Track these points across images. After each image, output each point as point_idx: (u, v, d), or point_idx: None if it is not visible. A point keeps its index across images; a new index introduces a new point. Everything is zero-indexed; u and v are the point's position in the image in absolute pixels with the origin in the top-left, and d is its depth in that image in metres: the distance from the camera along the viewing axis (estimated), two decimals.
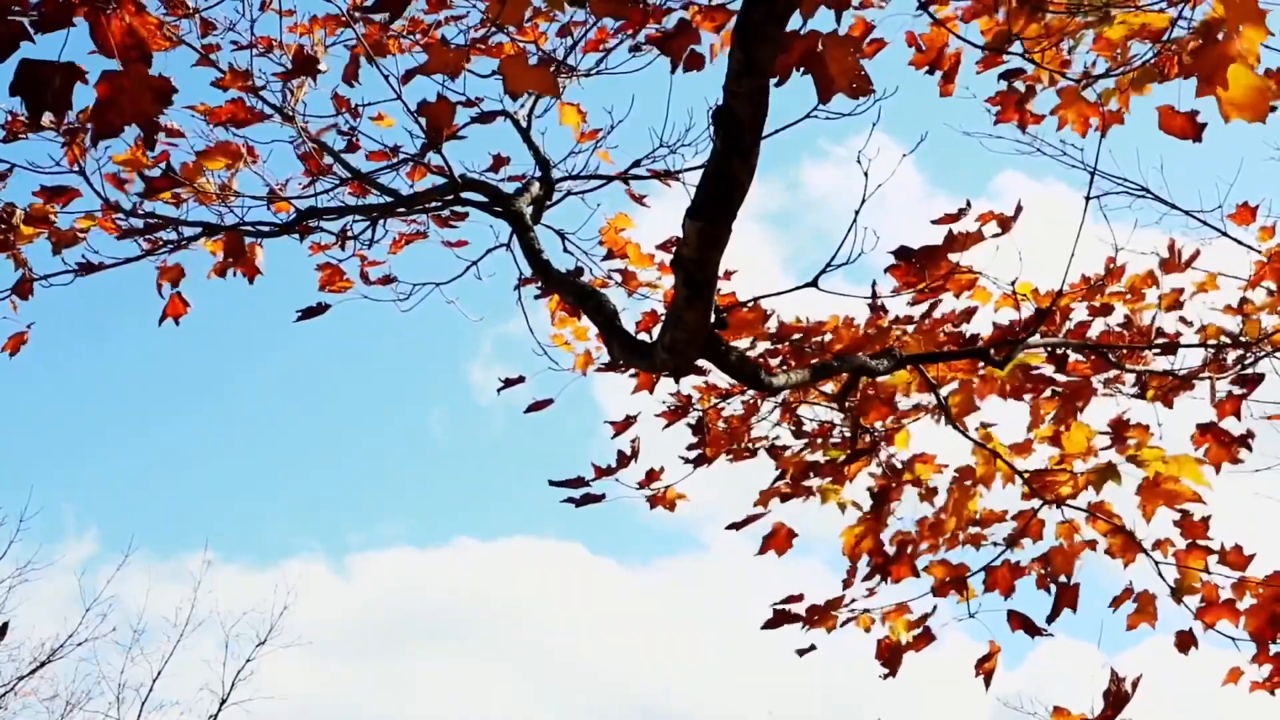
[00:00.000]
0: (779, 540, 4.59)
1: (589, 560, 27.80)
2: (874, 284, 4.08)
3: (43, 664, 14.90)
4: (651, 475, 4.68)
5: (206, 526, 29.82)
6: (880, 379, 4.21)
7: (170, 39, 3.98)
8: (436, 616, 26.05)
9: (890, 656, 4.18)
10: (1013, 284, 4.03)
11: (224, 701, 15.68)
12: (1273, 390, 4.59)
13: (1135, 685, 3.80)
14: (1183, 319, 4.78)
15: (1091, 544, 4.25)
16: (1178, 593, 4.11)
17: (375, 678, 22.68)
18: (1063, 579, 4.21)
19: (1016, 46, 3.66)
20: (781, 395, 4.72)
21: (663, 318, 4.81)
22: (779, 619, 4.24)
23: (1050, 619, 4.17)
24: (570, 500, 4.57)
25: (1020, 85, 3.97)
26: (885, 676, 4.19)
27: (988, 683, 4.12)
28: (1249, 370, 4.51)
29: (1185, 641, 4.15)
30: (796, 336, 4.37)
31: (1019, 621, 4.14)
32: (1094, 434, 4.16)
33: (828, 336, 4.33)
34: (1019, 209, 3.98)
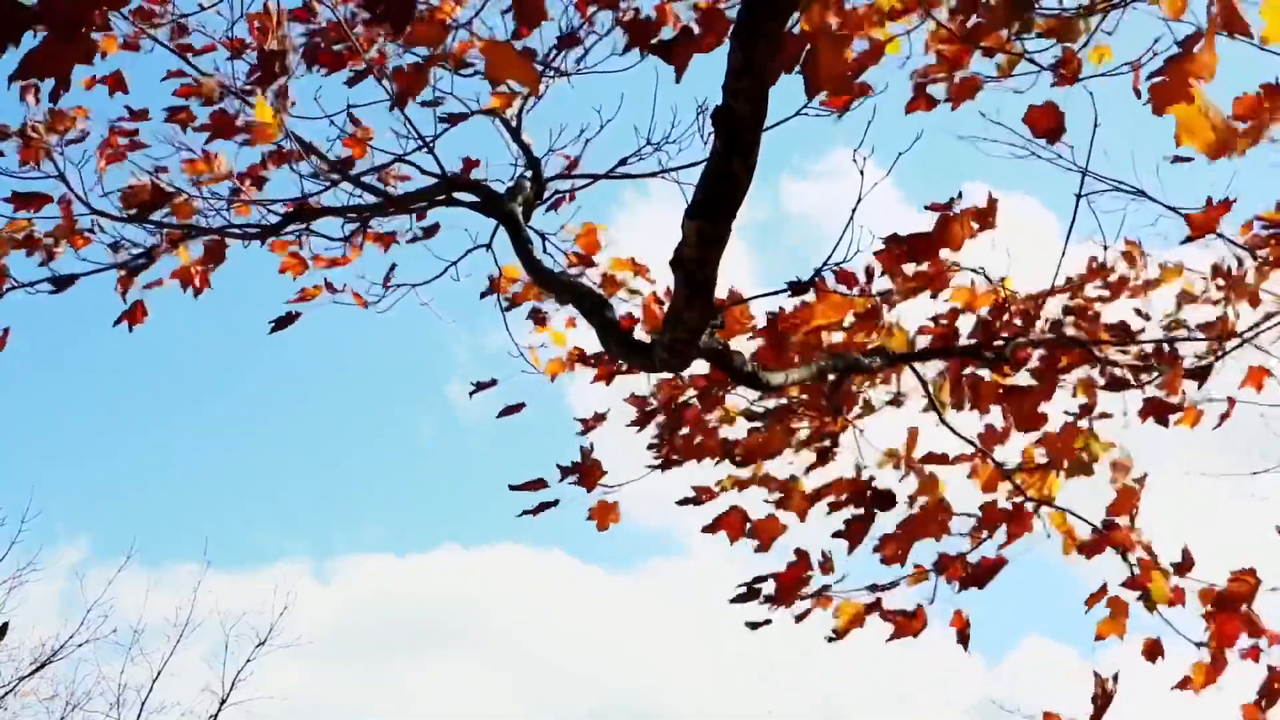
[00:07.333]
0: (731, 522, 4.42)
1: (574, 566, 27.95)
2: (796, 279, 3.91)
3: (42, 665, 14.80)
4: (593, 475, 4.49)
5: (196, 532, 29.49)
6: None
7: (143, 31, 3.90)
8: (429, 620, 26.04)
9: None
10: (1001, 280, 4.05)
11: (224, 702, 15.56)
12: (1271, 391, 4.69)
13: (1116, 679, 3.93)
14: (1138, 310, 4.83)
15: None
16: (1150, 601, 4.20)
17: (370, 680, 22.57)
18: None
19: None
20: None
21: (640, 322, 4.79)
22: (750, 594, 4.20)
23: (964, 586, 4.23)
24: (527, 511, 4.41)
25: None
26: (831, 640, 4.23)
27: (895, 638, 4.16)
28: (1206, 364, 4.56)
29: (1153, 650, 4.23)
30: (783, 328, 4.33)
31: (960, 621, 4.22)
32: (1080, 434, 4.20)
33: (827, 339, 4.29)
34: (992, 201, 3.99)
